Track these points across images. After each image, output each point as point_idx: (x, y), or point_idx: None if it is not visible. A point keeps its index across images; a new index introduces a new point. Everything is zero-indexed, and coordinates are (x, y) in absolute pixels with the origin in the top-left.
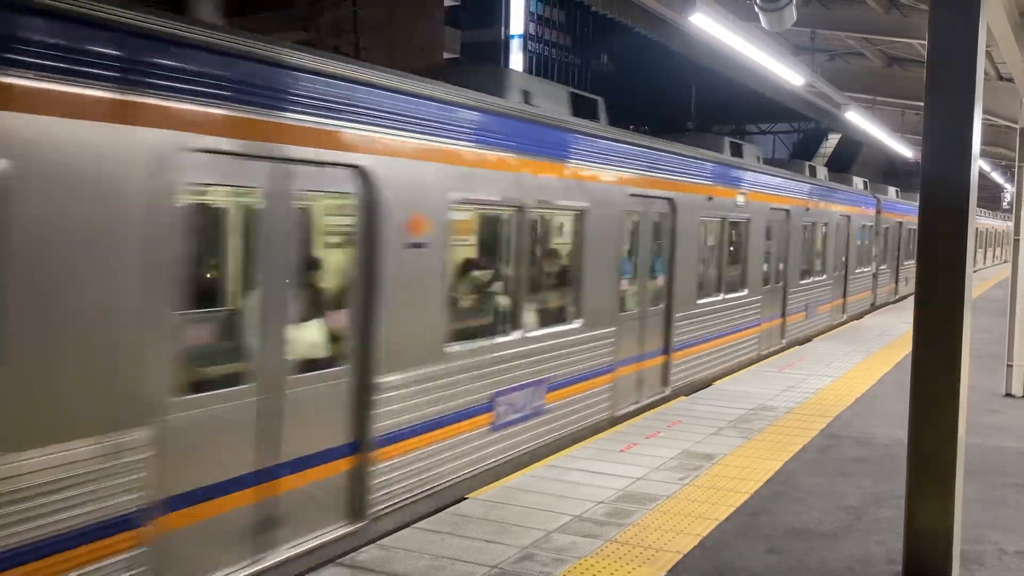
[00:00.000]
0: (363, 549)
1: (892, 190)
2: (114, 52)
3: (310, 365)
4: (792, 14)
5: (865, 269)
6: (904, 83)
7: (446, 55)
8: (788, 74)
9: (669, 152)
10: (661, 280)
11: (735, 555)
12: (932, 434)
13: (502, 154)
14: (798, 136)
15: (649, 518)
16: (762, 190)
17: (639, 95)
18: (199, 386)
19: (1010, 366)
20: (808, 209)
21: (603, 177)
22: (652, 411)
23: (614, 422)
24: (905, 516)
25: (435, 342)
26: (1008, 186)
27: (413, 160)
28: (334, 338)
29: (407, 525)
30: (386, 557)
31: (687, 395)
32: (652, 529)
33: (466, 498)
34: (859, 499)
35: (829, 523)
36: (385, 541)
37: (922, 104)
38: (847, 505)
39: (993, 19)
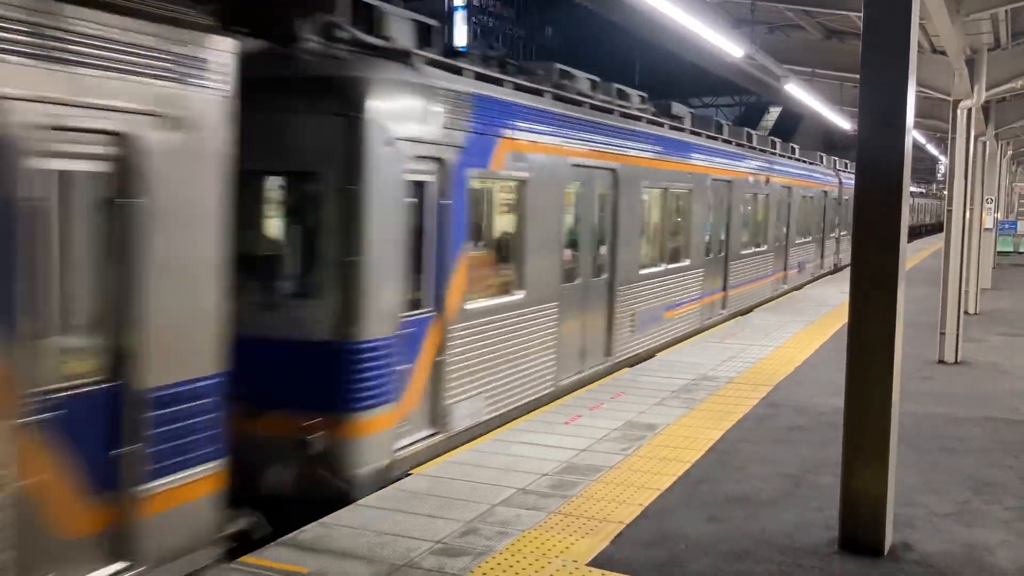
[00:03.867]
0: (305, 528)
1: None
2: None
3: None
4: None
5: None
6: (842, 56)
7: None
8: (728, 46)
9: None
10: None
11: (677, 524)
12: (867, 403)
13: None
14: (740, 109)
15: (593, 489)
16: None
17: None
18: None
19: (943, 334)
20: (631, 167)
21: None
22: (595, 383)
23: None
24: (841, 483)
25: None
26: (942, 158)
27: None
28: None
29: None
30: (328, 535)
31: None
32: (595, 500)
33: (410, 473)
34: (798, 466)
35: (769, 490)
36: (327, 519)
37: (859, 77)
38: (786, 473)
39: None
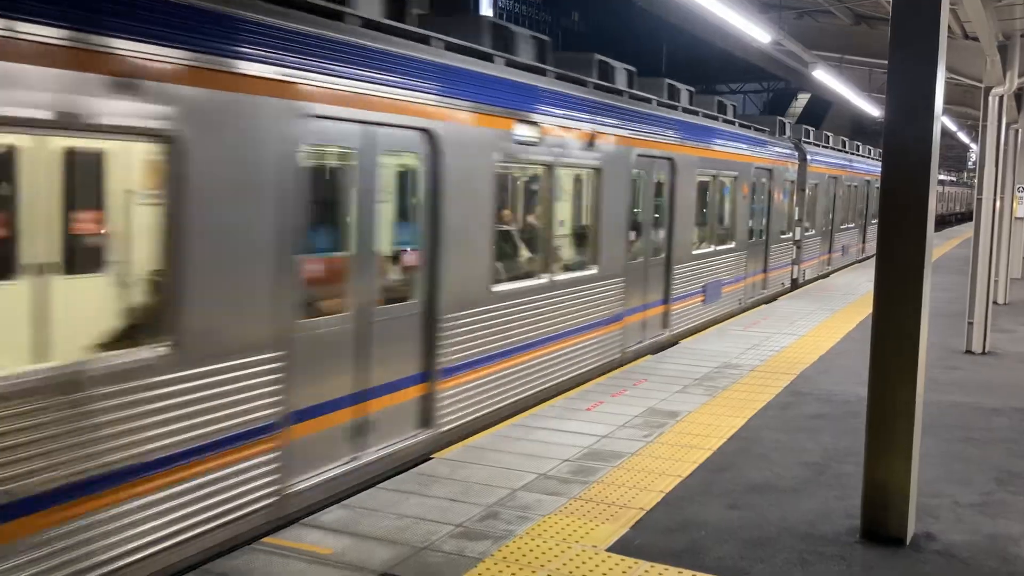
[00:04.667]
0: (328, 510)
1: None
2: None
3: None
4: None
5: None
6: (871, 41)
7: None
8: (755, 31)
9: None
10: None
11: (697, 511)
12: (891, 391)
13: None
14: (768, 95)
15: (613, 475)
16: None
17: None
18: None
19: (970, 324)
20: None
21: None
22: (618, 370)
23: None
24: (864, 472)
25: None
26: (973, 146)
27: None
28: None
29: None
30: (351, 517)
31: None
32: (616, 486)
33: (432, 457)
34: (820, 455)
35: (790, 479)
36: (350, 501)
37: (888, 63)
38: (808, 461)
39: None
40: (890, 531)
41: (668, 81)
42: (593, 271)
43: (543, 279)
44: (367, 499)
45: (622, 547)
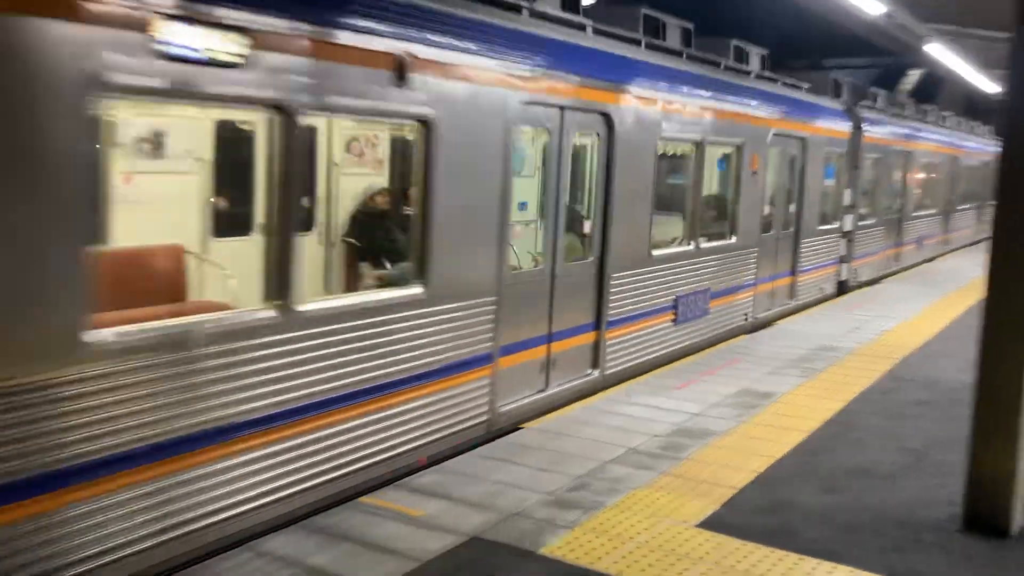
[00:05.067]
0: (422, 472)
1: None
2: None
3: None
4: None
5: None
6: (991, 12)
7: None
8: (866, 3)
9: None
10: None
11: (791, 492)
12: (1001, 379)
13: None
14: (876, 71)
15: (704, 453)
16: None
17: (712, 27)
18: None
19: None
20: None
21: None
22: (707, 351)
23: None
24: (968, 458)
25: None
26: None
27: None
28: None
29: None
30: (445, 481)
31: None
32: (707, 464)
33: (522, 427)
34: (921, 442)
35: (889, 464)
36: (444, 466)
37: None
38: (908, 447)
39: None
40: (994, 521)
41: (646, 11)
42: (415, 291)
43: (268, 314)
44: (460, 465)
45: (713, 524)
